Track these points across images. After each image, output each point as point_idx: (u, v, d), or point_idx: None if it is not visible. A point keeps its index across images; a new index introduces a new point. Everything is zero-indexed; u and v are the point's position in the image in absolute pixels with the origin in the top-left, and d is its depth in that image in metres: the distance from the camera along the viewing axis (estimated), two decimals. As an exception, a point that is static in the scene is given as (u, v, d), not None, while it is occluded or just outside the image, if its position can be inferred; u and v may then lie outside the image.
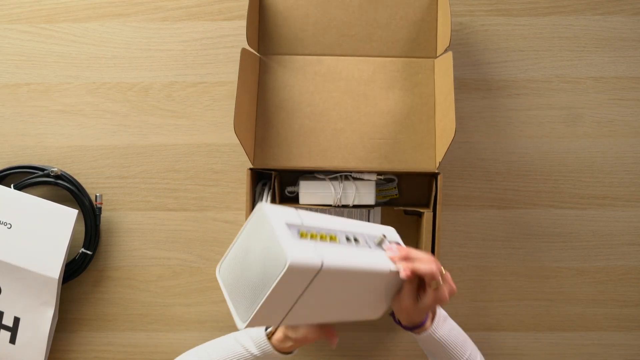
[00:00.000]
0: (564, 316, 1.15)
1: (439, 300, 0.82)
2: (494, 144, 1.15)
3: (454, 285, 0.83)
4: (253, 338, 0.91)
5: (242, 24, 1.15)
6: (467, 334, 1.15)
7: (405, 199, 1.14)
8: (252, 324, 0.70)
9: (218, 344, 0.94)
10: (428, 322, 0.88)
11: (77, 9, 1.17)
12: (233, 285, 0.73)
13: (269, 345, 0.89)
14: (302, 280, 0.70)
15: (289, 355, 0.92)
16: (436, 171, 1.04)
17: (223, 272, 0.74)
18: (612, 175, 1.15)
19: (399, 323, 0.90)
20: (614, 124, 1.15)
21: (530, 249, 1.15)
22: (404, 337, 1.16)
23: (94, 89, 1.17)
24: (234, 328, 1.16)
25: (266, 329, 0.91)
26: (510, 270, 1.15)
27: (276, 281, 0.67)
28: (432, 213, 1.02)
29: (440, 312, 0.91)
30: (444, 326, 0.90)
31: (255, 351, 0.91)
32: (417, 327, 0.88)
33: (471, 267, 1.15)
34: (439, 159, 1.03)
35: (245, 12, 1.12)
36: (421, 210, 1.04)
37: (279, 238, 0.69)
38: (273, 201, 1.06)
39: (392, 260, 0.81)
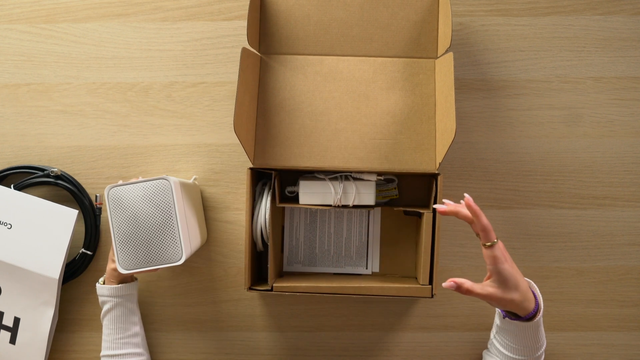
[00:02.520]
0: (564, 316, 1.15)
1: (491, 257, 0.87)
2: (494, 144, 1.15)
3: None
4: (99, 296, 1.08)
5: (242, 24, 1.15)
6: (467, 334, 1.15)
7: (405, 200, 1.14)
8: (128, 272, 0.95)
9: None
10: (541, 304, 0.91)
11: (77, 9, 1.17)
12: (122, 221, 0.94)
13: (105, 287, 1.06)
14: None
15: (133, 283, 1.09)
16: (436, 172, 1.04)
17: (113, 197, 0.95)
18: (612, 175, 1.15)
19: (518, 318, 0.92)
20: (614, 124, 1.15)
21: (530, 249, 1.15)
22: (403, 337, 1.16)
23: (94, 89, 1.17)
24: (233, 328, 1.16)
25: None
26: (510, 270, 1.15)
27: (166, 265, 0.95)
28: (432, 214, 1.02)
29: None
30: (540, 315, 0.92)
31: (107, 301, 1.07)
32: (532, 314, 0.90)
33: (471, 267, 1.15)
34: (439, 159, 1.03)
35: (245, 12, 1.12)
36: (421, 211, 1.04)
37: (181, 237, 0.94)
38: (273, 201, 1.06)
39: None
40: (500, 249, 0.86)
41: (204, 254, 1.16)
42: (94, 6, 1.17)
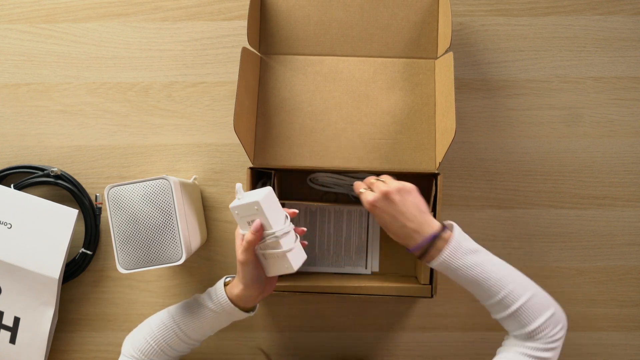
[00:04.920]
0: (564, 316, 1.15)
1: (365, 203, 0.95)
2: (494, 144, 1.15)
3: (382, 189, 0.94)
4: (211, 294, 0.97)
5: (242, 24, 1.15)
6: (467, 334, 1.15)
7: (405, 199, 1.14)
8: (129, 272, 0.95)
9: (180, 305, 1.00)
10: (433, 252, 0.91)
11: (77, 9, 1.17)
12: (122, 220, 0.94)
13: (226, 299, 0.95)
14: None
15: (250, 313, 0.98)
16: (436, 171, 1.04)
17: (113, 197, 0.95)
18: (612, 175, 1.15)
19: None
20: (614, 124, 1.15)
21: (530, 249, 1.15)
22: (403, 337, 1.16)
23: (94, 89, 1.17)
24: (233, 328, 1.16)
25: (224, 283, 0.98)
26: (510, 270, 1.15)
27: (166, 265, 0.94)
28: (432, 213, 1.02)
29: (463, 244, 0.92)
30: (463, 259, 0.91)
31: (213, 306, 0.96)
32: (422, 254, 0.92)
33: (471, 267, 1.15)
34: (439, 159, 1.03)
35: (245, 12, 1.12)
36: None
37: (181, 237, 0.94)
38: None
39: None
40: (365, 197, 0.95)
41: (204, 254, 1.16)
42: (94, 6, 1.17)
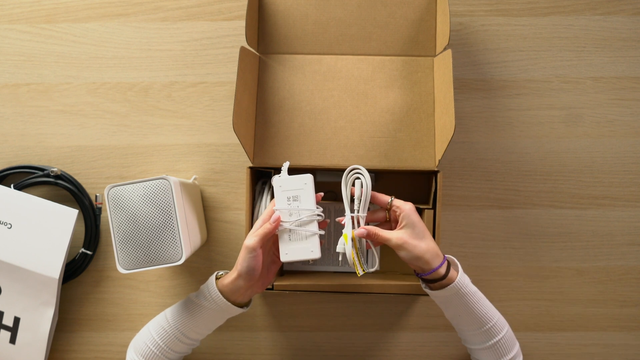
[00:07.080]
0: (564, 316, 1.15)
1: (405, 204, 0.94)
2: (494, 144, 1.15)
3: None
4: (203, 289, 0.98)
5: (242, 24, 1.15)
6: (467, 333, 1.15)
7: (405, 197, 1.13)
8: (129, 272, 0.94)
9: (175, 306, 1.00)
10: (453, 273, 0.92)
11: (77, 9, 1.17)
12: (122, 220, 0.93)
13: (217, 291, 0.95)
14: None
15: (244, 309, 0.98)
16: (436, 169, 1.04)
17: (113, 197, 0.94)
18: (612, 175, 1.15)
19: (421, 277, 0.94)
20: (614, 124, 1.15)
21: (530, 249, 1.15)
22: (403, 337, 1.16)
23: (94, 89, 1.17)
24: (233, 328, 1.16)
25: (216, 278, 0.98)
26: (510, 270, 1.15)
27: (166, 265, 0.94)
28: (432, 211, 1.02)
29: (464, 274, 0.94)
30: (470, 285, 0.94)
31: (205, 302, 0.96)
32: (439, 278, 0.91)
33: (471, 267, 1.15)
34: (438, 156, 1.03)
35: (245, 12, 1.12)
36: (422, 207, 1.04)
37: (181, 237, 0.94)
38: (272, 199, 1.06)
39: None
40: (400, 201, 0.95)
41: (204, 254, 1.16)
42: (94, 6, 1.17)
